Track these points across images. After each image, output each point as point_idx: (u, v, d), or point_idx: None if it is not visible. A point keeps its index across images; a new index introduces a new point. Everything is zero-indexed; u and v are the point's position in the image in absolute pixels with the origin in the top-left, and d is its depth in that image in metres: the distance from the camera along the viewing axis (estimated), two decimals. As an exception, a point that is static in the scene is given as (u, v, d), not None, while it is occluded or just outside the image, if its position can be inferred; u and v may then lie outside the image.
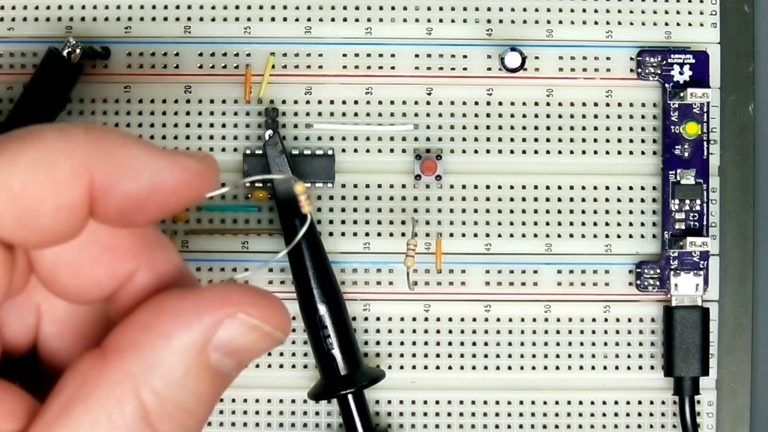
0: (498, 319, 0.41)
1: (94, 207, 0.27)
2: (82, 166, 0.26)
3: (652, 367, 0.41)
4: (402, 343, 0.41)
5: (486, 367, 0.41)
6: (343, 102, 0.41)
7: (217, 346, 0.27)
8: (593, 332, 0.41)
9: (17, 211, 0.26)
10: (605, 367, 0.41)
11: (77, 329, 0.30)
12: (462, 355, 0.41)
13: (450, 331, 0.41)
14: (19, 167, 0.26)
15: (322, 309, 0.38)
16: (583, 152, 0.41)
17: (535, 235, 0.41)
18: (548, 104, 0.41)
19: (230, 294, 0.28)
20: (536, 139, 0.41)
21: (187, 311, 0.27)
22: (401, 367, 0.41)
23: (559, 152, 0.41)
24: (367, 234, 0.41)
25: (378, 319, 0.41)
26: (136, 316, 0.28)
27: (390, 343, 0.41)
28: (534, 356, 0.41)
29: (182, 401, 0.27)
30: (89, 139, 0.27)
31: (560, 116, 0.41)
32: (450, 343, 0.41)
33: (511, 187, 0.41)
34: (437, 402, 0.41)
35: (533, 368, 0.41)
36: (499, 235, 0.41)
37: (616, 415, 0.41)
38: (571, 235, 0.41)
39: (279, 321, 0.28)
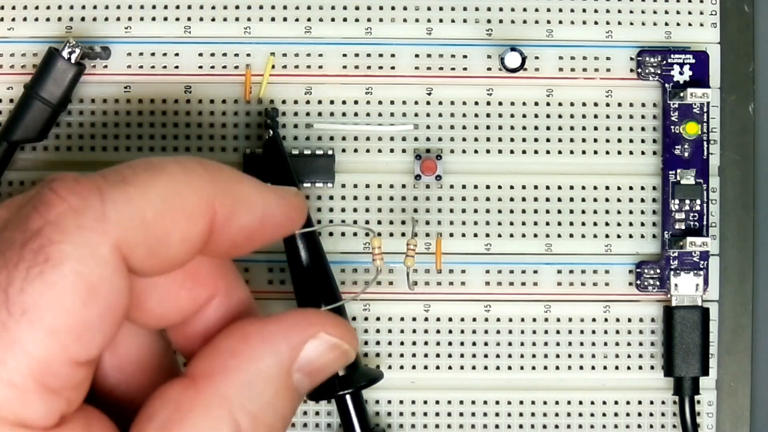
0: (498, 319, 0.41)
1: (210, 239, 0.28)
2: (207, 199, 0.28)
3: (652, 367, 0.41)
4: (402, 343, 0.41)
5: (486, 367, 0.41)
6: (343, 102, 0.41)
7: (300, 365, 0.29)
8: (593, 332, 0.41)
9: (149, 242, 0.27)
10: (605, 367, 0.41)
11: (137, 361, 0.31)
12: (462, 355, 0.41)
13: (450, 331, 0.41)
14: (152, 198, 0.27)
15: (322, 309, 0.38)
16: (583, 152, 0.41)
17: (535, 235, 0.41)
18: (548, 104, 0.41)
19: (311, 316, 0.29)
20: (536, 139, 0.41)
21: (273, 334, 0.29)
22: (401, 367, 0.41)
23: (559, 152, 0.41)
24: (367, 234, 0.41)
25: (378, 319, 0.41)
26: (220, 342, 0.29)
27: (390, 343, 0.41)
28: (534, 356, 0.41)
29: (271, 421, 0.28)
30: (208, 173, 0.28)
31: (560, 116, 0.41)
32: (450, 343, 0.41)
33: (511, 187, 0.41)
34: (437, 402, 0.41)
35: (533, 368, 0.41)
36: (499, 235, 0.41)
37: (616, 415, 0.41)
38: (571, 235, 0.41)
39: (353, 340, 0.30)
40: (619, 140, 0.41)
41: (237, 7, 0.41)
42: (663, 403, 0.41)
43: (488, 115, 0.41)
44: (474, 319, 0.41)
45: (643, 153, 0.41)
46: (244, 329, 0.29)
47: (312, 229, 0.38)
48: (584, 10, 0.41)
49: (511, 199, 0.41)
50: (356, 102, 0.41)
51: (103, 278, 0.26)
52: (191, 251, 0.28)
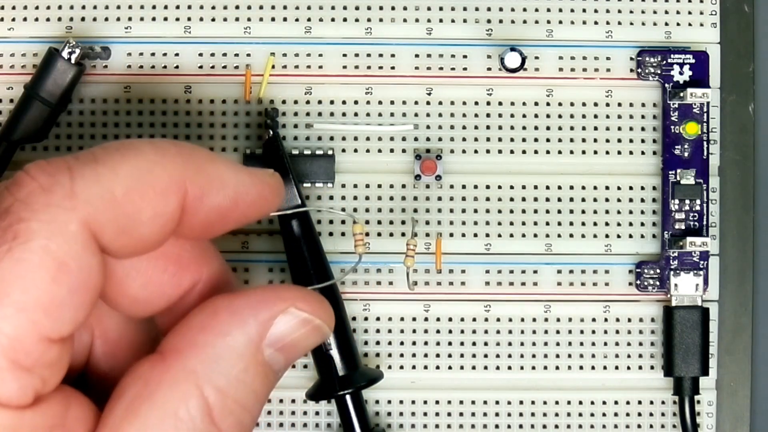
0: (498, 319, 0.41)
1: (183, 218, 0.28)
2: (178, 177, 0.28)
3: (652, 367, 0.41)
4: (402, 343, 0.41)
5: (486, 367, 0.41)
6: (343, 102, 0.41)
7: (270, 341, 0.29)
8: (593, 332, 0.41)
9: (119, 219, 0.27)
10: (605, 367, 0.41)
11: (127, 348, 0.31)
12: (462, 355, 0.41)
13: (450, 331, 0.41)
14: (122, 176, 0.27)
15: (321, 309, 0.38)
16: (583, 152, 0.41)
17: (535, 235, 0.41)
18: (548, 104, 0.41)
19: (281, 291, 0.29)
20: (536, 139, 0.41)
21: (242, 309, 0.28)
22: (401, 367, 0.41)
23: (559, 152, 0.41)
24: (367, 234, 0.41)
25: (378, 319, 0.41)
26: (191, 318, 0.29)
27: (390, 343, 0.41)
28: (534, 356, 0.41)
29: (241, 397, 0.28)
30: (180, 152, 0.28)
31: (560, 116, 0.41)
32: (450, 343, 0.41)
33: (511, 187, 0.41)
34: (437, 402, 0.41)
35: (533, 368, 0.41)
36: (499, 235, 0.41)
37: (616, 415, 0.41)
38: (571, 235, 0.41)
39: (326, 315, 0.30)
40: (619, 140, 0.41)
41: (237, 7, 0.41)
42: (663, 403, 0.41)
43: (488, 115, 0.41)
44: (474, 319, 0.41)
45: (643, 153, 0.41)
46: (214, 304, 0.29)
47: (301, 210, 0.38)
48: (584, 10, 0.41)
49: (511, 199, 0.41)
50: (356, 102, 0.41)
51: (72, 255, 0.26)
52: (163, 230, 0.28)
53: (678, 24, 0.41)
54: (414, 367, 0.41)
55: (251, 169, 0.30)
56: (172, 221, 0.28)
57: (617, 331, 0.41)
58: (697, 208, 0.41)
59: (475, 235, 0.41)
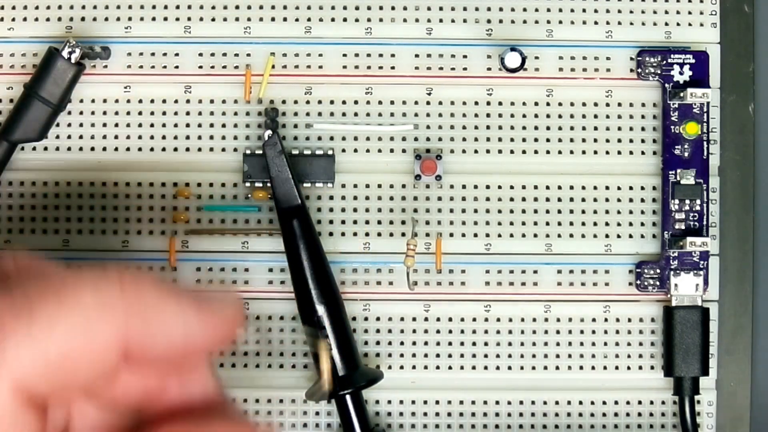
0: (498, 319, 0.41)
1: (126, 361, 0.27)
2: (119, 331, 0.27)
3: (652, 367, 0.41)
4: (402, 343, 0.41)
5: (486, 367, 0.41)
6: (343, 102, 0.41)
7: None
8: (593, 332, 0.41)
9: (54, 378, 0.26)
10: (605, 367, 0.41)
11: (107, 428, 0.30)
12: (462, 355, 0.41)
13: (450, 331, 0.41)
14: (57, 337, 0.26)
15: (321, 310, 0.38)
16: (583, 152, 0.41)
17: (535, 235, 0.41)
18: (548, 104, 0.41)
19: None
20: (536, 139, 0.41)
21: None
22: (401, 367, 0.41)
23: (559, 152, 0.41)
24: (367, 234, 0.41)
25: (378, 319, 0.41)
26: None
27: (390, 343, 0.41)
28: (534, 356, 0.41)
29: None
30: (124, 299, 0.27)
31: (560, 116, 0.41)
32: (450, 343, 0.41)
33: (511, 187, 0.41)
34: (437, 402, 0.41)
35: (533, 368, 0.41)
36: (499, 235, 0.41)
37: (616, 415, 0.41)
38: (571, 235, 0.41)
39: None
40: (619, 140, 0.41)
41: (237, 7, 0.41)
42: (663, 403, 0.41)
43: (488, 115, 0.41)
44: (474, 319, 0.41)
45: (643, 153, 0.41)
46: None
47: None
48: (584, 10, 0.41)
49: (511, 199, 0.41)
50: (356, 102, 0.41)
51: (4, 413, 0.25)
52: (101, 380, 0.27)
53: (678, 24, 0.41)
54: (414, 367, 0.41)
55: (203, 308, 0.28)
56: (111, 372, 0.27)
57: (617, 331, 0.41)
58: (697, 208, 0.41)
59: (475, 235, 0.41)
